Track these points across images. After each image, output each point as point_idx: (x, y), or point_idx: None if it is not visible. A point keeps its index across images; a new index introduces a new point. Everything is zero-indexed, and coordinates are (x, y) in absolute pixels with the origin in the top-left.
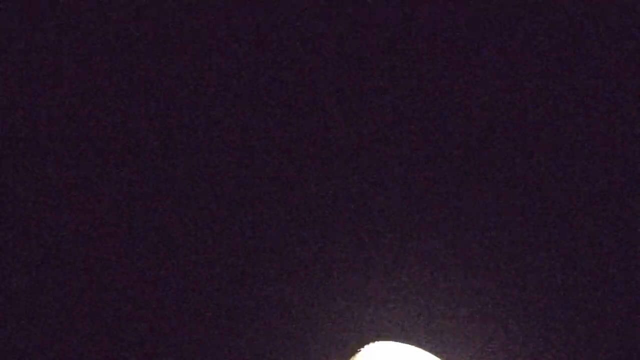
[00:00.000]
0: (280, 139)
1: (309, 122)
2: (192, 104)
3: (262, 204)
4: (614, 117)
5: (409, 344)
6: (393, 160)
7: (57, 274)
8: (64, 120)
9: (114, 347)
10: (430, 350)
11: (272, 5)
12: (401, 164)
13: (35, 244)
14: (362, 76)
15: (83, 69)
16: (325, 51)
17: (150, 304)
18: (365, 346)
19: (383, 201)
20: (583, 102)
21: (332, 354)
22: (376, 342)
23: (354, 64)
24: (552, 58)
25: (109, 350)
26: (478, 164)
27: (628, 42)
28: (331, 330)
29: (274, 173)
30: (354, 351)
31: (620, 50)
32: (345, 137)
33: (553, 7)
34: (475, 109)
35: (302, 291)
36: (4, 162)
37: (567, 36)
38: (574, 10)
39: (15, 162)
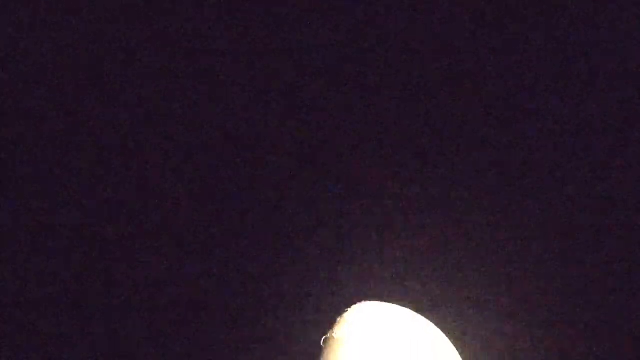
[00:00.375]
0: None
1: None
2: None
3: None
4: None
5: (395, 304)
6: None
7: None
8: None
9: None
10: (417, 310)
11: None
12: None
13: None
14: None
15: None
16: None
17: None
18: (352, 307)
19: (364, 162)
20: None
21: (318, 317)
22: (362, 303)
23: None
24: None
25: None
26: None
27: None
28: (316, 293)
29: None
30: (340, 313)
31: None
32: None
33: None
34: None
35: (286, 254)
36: None
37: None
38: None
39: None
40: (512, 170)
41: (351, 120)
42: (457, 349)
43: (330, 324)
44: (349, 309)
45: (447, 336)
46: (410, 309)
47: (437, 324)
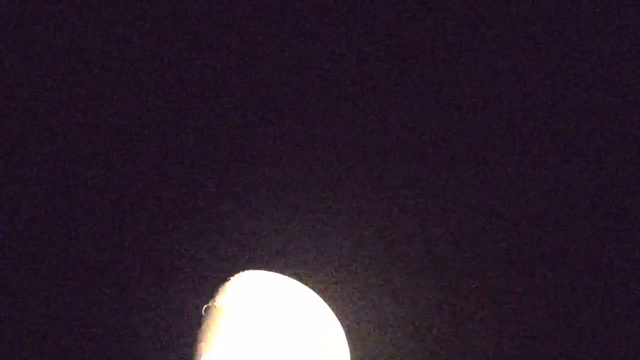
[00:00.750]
0: None
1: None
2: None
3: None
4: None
5: (277, 272)
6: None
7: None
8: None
9: None
10: (298, 279)
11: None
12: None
13: None
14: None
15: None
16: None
17: None
18: (233, 276)
19: (250, 135)
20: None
21: (200, 285)
22: (244, 272)
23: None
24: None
25: None
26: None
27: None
28: (198, 262)
29: None
30: (223, 281)
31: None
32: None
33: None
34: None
35: (168, 223)
36: None
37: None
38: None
39: None
40: (383, 145)
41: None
42: (336, 315)
43: (211, 292)
44: (230, 278)
45: (327, 304)
46: (291, 277)
47: (318, 293)
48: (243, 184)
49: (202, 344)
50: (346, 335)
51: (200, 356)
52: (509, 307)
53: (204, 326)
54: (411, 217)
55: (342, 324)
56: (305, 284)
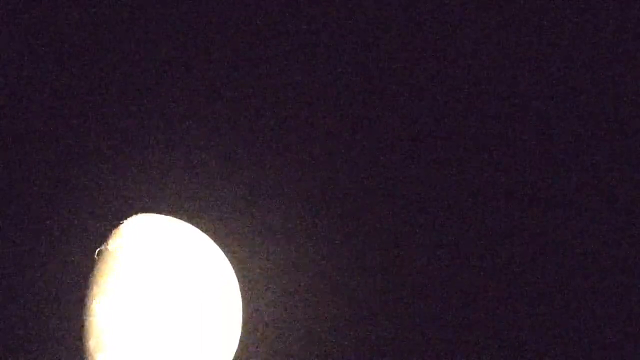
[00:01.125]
0: None
1: None
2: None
3: None
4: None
5: (169, 216)
6: None
7: None
8: None
9: None
10: (191, 222)
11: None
12: None
13: None
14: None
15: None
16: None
17: None
18: (125, 219)
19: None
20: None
21: (92, 229)
22: (136, 215)
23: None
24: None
25: None
26: None
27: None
28: (89, 206)
29: None
30: (114, 225)
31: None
32: None
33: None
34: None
35: (59, 168)
36: None
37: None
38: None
39: None
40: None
41: None
42: (227, 258)
43: (103, 236)
44: (122, 222)
45: (218, 246)
46: (183, 221)
47: (209, 236)
48: (134, 128)
49: (96, 287)
50: (237, 277)
51: (94, 299)
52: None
53: (96, 270)
54: (306, 157)
55: (233, 266)
56: (197, 226)
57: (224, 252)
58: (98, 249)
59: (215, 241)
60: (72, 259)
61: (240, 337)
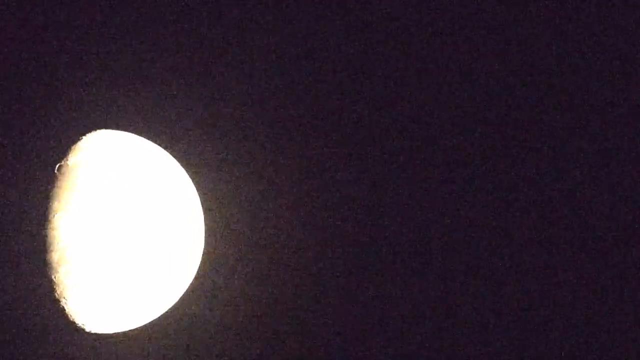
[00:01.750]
0: None
1: None
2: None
3: None
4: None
5: (129, 132)
6: None
7: None
8: None
9: None
10: (150, 138)
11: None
12: None
13: None
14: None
15: None
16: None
17: None
18: (85, 134)
19: None
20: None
21: (52, 144)
22: (96, 131)
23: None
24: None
25: None
26: None
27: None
28: (50, 121)
29: None
30: (74, 140)
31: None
32: None
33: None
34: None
35: (21, 82)
36: None
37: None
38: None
39: None
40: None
41: None
42: (188, 175)
43: (64, 151)
44: (82, 137)
45: (179, 163)
46: (143, 136)
47: (169, 152)
48: (96, 41)
49: (57, 202)
50: (199, 195)
51: (56, 213)
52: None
53: (57, 185)
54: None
55: (193, 182)
56: (157, 143)
57: (184, 168)
58: (58, 164)
59: (175, 157)
60: (33, 174)
61: (203, 250)
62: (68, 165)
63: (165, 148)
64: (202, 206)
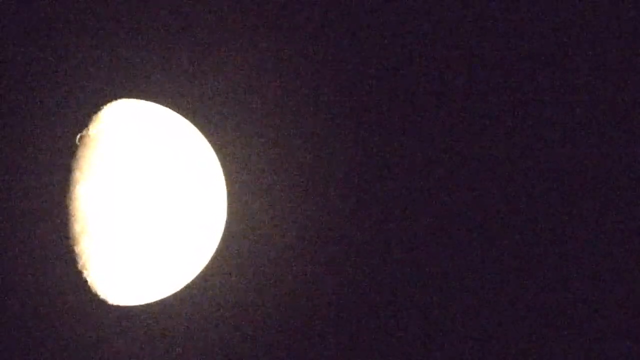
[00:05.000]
0: None
1: None
2: None
3: None
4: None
5: (150, 101)
6: None
7: None
8: None
9: None
10: (172, 108)
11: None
12: None
13: None
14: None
15: None
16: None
17: None
18: (106, 104)
19: None
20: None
21: (73, 114)
22: (116, 100)
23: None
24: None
25: None
26: None
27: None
28: (70, 91)
29: None
30: (95, 110)
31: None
32: None
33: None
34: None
35: (43, 53)
36: None
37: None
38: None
39: None
40: None
41: None
42: (211, 146)
43: (85, 121)
44: (103, 107)
45: (200, 131)
46: (165, 106)
47: (191, 121)
48: (116, 10)
49: (78, 172)
50: (221, 167)
51: (77, 184)
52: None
53: (78, 155)
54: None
55: (215, 151)
56: (179, 112)
57: (207, 139)
58: (79, 134)
59: (198, 128)
60: (54, 144)
61: (226, 223)
62: (89, 135)
63: (188, 118)
64: (225, 176)
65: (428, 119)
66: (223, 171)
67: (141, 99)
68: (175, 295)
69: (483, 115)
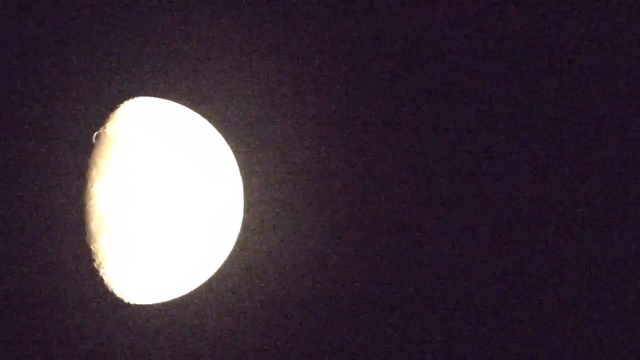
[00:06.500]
0: None
1: None
2: None
3: None
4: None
5: (167, 99)
6: None
7: None
8: None
9: None
10: (189, 106)
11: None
12: None
13: None
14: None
15: None
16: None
17: None
18: (123, 102)
19: None
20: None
21: (90, 112)
22: (133, 98)
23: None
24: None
25: None
26: None
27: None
28: (87, 89)
29: None
30: (112, 108)
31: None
32: None
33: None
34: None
35: (59, 50)
36: None
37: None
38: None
39: None
40: None
41: None
42: (228, 144)
43: (101, 119)
44: (120, 105)
45: (217, 130)
46: (182, 104)
47: (207, 119)
48: (132, 9)
49: (95, 170)
50: (238, 164)
51: (94, 182)
52: None
53: (95, 153)
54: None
55: (232, 149)
56: (196, 111)
57: (224, 137)
58: (96, 132)
59: (213, 125)
60: (71, 142)
61: (242, 221)
62: (106, 133)
63: (204, 116)
64: (241, 175)
65: (458, 119)
66: (239, 168)
67: (157, 97)
68: (191, 294)
69: (483, 115)
